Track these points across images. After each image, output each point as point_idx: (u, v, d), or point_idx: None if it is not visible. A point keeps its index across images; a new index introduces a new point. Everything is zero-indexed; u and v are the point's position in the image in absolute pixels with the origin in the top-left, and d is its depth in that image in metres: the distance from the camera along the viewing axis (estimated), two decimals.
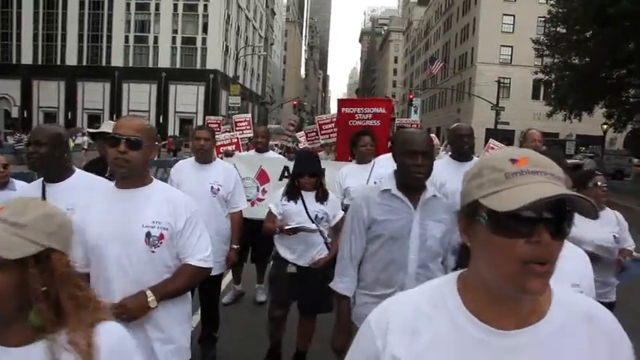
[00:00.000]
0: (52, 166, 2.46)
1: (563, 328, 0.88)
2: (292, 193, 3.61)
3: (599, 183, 3.14)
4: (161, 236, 2.03)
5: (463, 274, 0.96)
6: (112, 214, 2.03)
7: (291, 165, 5.44)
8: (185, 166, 4.07)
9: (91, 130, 4.07)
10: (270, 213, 3.68)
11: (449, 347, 0.89)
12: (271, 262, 3.90)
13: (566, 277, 1.48)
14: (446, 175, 3.58)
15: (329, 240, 3.61)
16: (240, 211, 4.13)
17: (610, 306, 3.23)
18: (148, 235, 2.02)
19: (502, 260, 0.83)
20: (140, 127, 2.03)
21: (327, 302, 3.42)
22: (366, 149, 4.26)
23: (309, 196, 3.59)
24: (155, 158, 2.12)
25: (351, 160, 4.65)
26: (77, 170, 2.59)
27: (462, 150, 3.86)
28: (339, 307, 2.47)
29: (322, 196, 3.60)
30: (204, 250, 2.15)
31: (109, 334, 1.13)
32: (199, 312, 4.04)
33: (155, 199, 2.07)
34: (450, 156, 3.99)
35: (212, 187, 3.88)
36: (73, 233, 1.17)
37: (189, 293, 2.29)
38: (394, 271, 2.28)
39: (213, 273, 3.77)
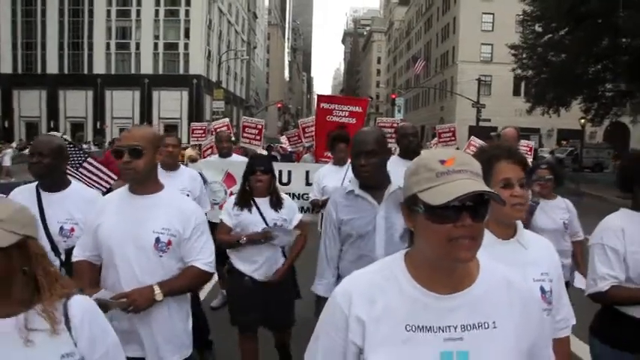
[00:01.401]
0: (53, 176, 2.60)
1: (489, 290, 1.12)
2: (244, 201, 3.34)
3: (539, 176, 3.59)
4: (169, 242, 2.17)
5: (408, 252, 1.17)
6: (125, 217, 2.17)
7: None
8: None
9: None
10: (222, 225, 3.38)
11: (401, 311, 1.09)
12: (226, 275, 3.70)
13: (536, 266, 1.64)
14: (393, 172, 3.82)
15: (286, 247, 3.44)
16: (205, 213, 4.28)
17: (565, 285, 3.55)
18: (157, 240, 2.15)
19: (436, 240, 1.05)
20: (140, 136, 2.18)
21: (290, 315, 3.44)
22: (340, 155, 4.55)
23: (264, 203, 3.35)
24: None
25: (329, 157, 5.00)
26: (73, 182, 2.71)
27: (408, 148, 4.05)
28: (318, 308, 2.57)
29: (277, 202, 3.37)
30: (209, 256, 2.28)
31: (79, 304, 1.37)
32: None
33: (166, 207, 2.21)
34: (398, 154, 4.17)
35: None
36: (37, 223, 1.40)
37: (189, 294, 2.41)
38: (362, 266, 2.41)
39: None
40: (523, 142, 9.62)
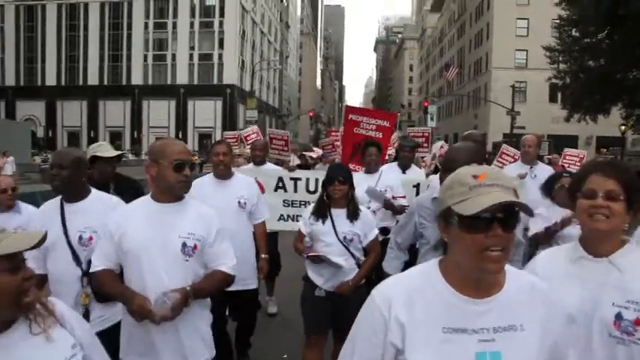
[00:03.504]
0: (73, 188, 2.67)
1: (516, 295, 1.22)
2: (321, 211, 3.34)
3: (565, 185, 3.43)
4: (195, 247, 2.26)
5: (442, 260, 1.27)
6: (151, 225, 2.25)
7: (285, 174, 5.63)
8: (205, 183, 3.97)
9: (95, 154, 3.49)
10: (299, 232, 3.49)
11: (438, 314, 1.18)
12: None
13: (624, 291, 1.52)
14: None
15: (361, 260, 3.38)
16: (264, 221, 4.15)
17: None
18: (184, 245, 2.24)
19: (469, 250, 1.14)
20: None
21: None
22: (370, 159, 4.57)
23: (340, 215, 3.31)
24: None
25: (355, 166, 5.08)
26: (93, 190, 2.76)
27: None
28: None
29: (353, 214, 3.31)
30: (232, 259, 2.39)
31: (56, 303, 1.46)
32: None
33: (189, 213, 2.32)
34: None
35: (239, 202, 3.89)
36: None
37: (209, 299, 2.46)
38: None
39: (251, 287, 3.96)
40: (574, 151, 9.28)
